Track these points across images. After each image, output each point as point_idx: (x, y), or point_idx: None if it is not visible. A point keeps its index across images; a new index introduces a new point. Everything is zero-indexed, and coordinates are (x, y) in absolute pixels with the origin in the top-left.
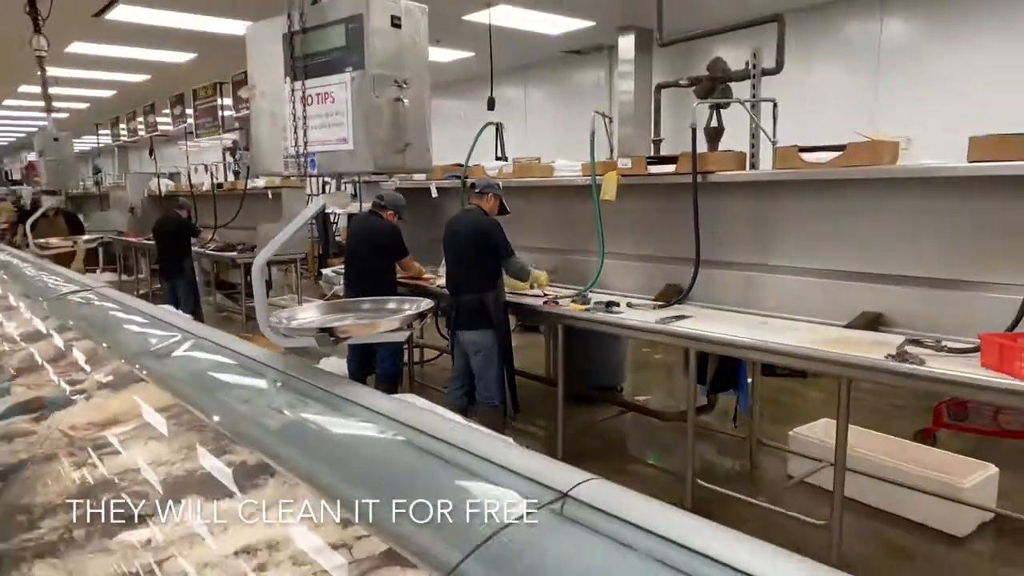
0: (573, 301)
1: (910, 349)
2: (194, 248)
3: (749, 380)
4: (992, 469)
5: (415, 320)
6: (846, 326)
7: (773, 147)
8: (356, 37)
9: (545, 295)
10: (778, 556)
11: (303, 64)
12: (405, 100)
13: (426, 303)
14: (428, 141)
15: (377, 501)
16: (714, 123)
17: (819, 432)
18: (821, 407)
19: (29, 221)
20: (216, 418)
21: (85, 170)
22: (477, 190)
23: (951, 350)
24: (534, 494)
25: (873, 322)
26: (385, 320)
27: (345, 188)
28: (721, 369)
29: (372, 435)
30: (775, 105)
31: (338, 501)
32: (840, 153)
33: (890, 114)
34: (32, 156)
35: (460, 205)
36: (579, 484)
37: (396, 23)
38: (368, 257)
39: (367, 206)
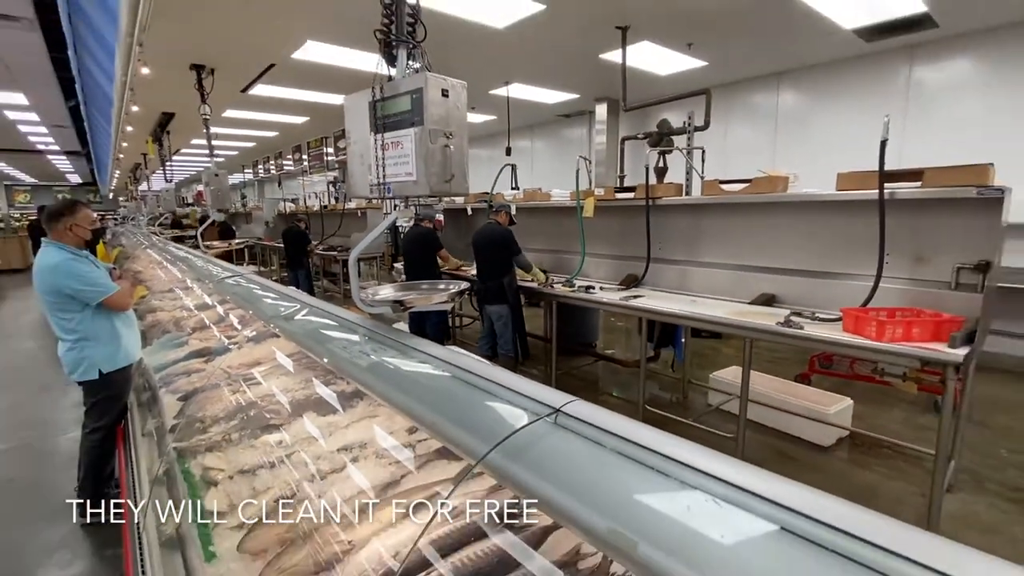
0: (563, 285)
1: (793, 319)
2: (309, 249)
3: (683, 340)
4: (848, 401)
5: (456, 296)
6: (750, 303)
7: (701, 180)
8: (418, 104)
9: (541, 284)
10: (688, 445)
11: (382, 122)
12: (451, 146)
13: (464, 284)
14: (466, 174)
15: (433, 413)
16: (661, 164)
17: (730, 375)
18: (732, 359)
19: (199, 230)
20: (325, 360)
21: (235, 196)
22: (495, 209)
23: (822, 319)
24: (536, 410)
25: (769, 300)
26: (437, 294)
27: (409, 207)
28: (664, 331)
29: (429, 371)
30: (703, 151)
31: (407, 415)
32: (747, 184)
33: (784, 159)
34: (200, 187)
35: (486, 220)
36: (567, 403)
37: (445, 94)
38: (417, 253)
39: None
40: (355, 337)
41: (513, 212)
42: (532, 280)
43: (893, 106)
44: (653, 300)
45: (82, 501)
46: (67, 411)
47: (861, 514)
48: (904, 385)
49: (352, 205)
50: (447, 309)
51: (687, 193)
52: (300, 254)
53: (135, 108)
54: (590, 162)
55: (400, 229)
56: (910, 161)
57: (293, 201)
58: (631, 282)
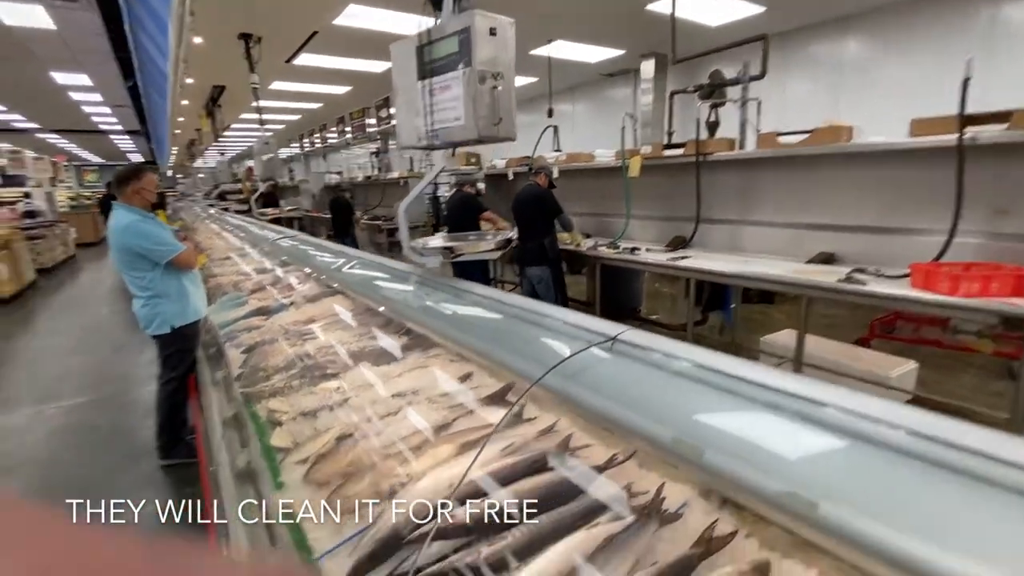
0: (607, 247)
1: (856, 275)
2: (354, 218)
3: (732, 304)
4: (912, 364)
5: (504, 244)
6: (806, 263)
7: (756, 134)
8: (465, 44)
9: (578, 245)
10: (750, 364)
11: (429, 66)
12: (499, 87)
13: (511, 232)
14: (514, 119)
15: (488, 344)
16: (713, 118)
17: (783, 338)
18: (784, 324)
19: (253, 197)
20: (382, 308)
21: (284, 170)
22: (534, 171)
23: (887, 277)
24: (592, 338)
25: (827, 259)
26: (484, 242)
27: (455, 156)
28: (712, 294)
29: (482, 309)
30: (759, 103)
31: (462, 348)
32: (808, 135)
33: (846, 112)
34: (250, 163)
35: (525, 182)
36: (624, 331)
37: (492, 32)
38: (459, 217)
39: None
40: (408, 283)
41: (554, 175)
42: (571, 242)
43: (972, 50)
44: (701, 261)
45: (161, 444)
46: (142, 368)
47: (937, 419)
48: (979, 343)
49: (395, 175)
50: (495, 258)
51: (740, 148)
52: (346, 223)
53: (189, 80)
54: (636, 119)
55: (441, 200)
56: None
57: (338, 173)
58: (678, 244)
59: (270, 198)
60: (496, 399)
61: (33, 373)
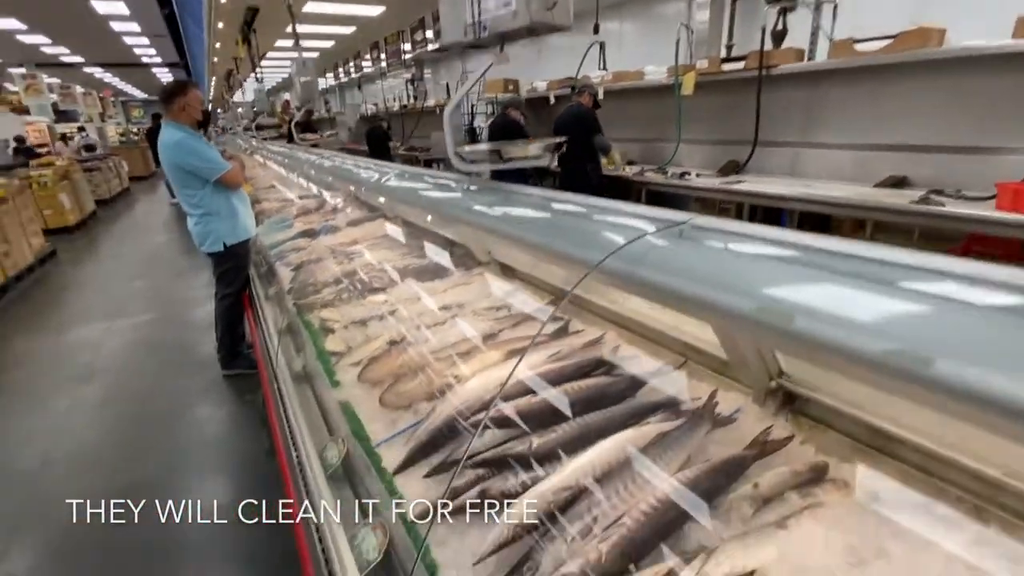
0: (655, 173)
1: (933, 197)
2: (391, 147)
3: None
4: None
5: (555, 148)
6: (874, 186)
7: (829, 42)
8: None
9: (616, 166)
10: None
11: None
12: None
13: (559, 139)
14: (569, 6)
15: (545, 237)
16: (779, 26)
17: None
18: None
19: (294, 120)
20: (428, 217)
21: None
22: (578, 90)
23: (968, 198)
24: (661, 226)
25: (898, 183)
26: (533, 146)
27: (504, 53)
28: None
29: (536, 208)
30: (835, 6)
31: (518, 245)
32: (891, 41)
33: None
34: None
35: (568, 103)
36: (694, 218)
37: None
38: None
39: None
40: (456, 190)
41: (599, 96)
42: (611, 166)
43: None
44: (756, 186)
45: (222, 356)
46: (199, 291)
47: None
48: None
49: (431, 103)
50: (545, 164)
51: (809, 59)
52: (383, 153)
53: (223, 0)
54: (691, 31)
55: (477, 131)
56: None
57: (374, 105)
58: (731, 169)
59: (307, 126)
60: (542, 312)
61: (102, 294)
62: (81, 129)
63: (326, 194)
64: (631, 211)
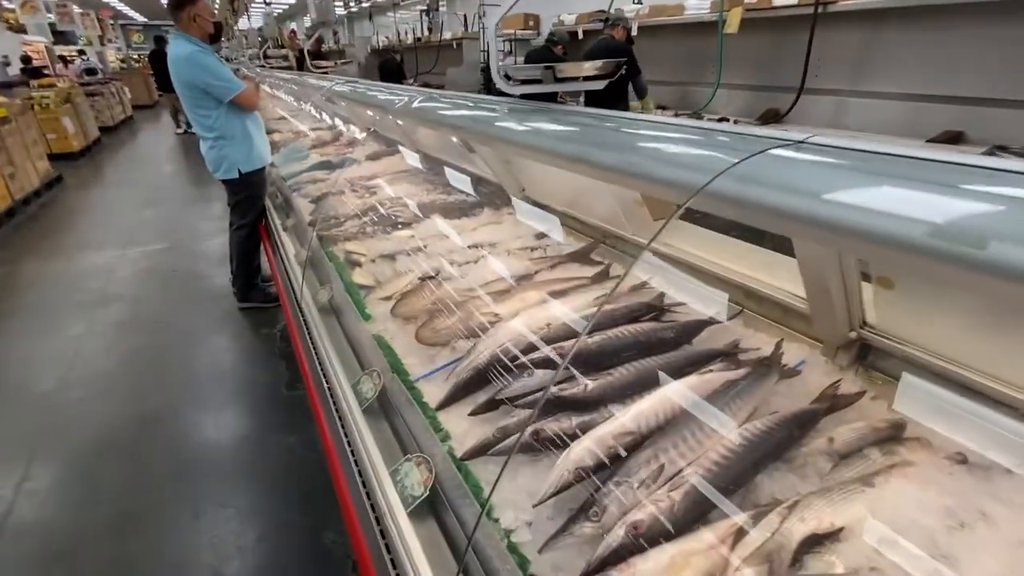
0: (690, 116)
1: (998, 152)
2: (405, 82)
3: None
4: None
5: (613, 70)
6: (927, 142)
7: None
8: None
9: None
10: None
11: None
12: None
13: (621, 59)
14: None
15: (627, 155)
16: None
17: None
18: None
19: (307, 45)
20: (454, 139)
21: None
22: (610, 23)
23: None
24: (778, 144)
25: (954, 138)
26: (589, 65)
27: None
28: None
29: (605, 126)
30: None
31: (585, 166)
32: None
33: None
34: (292, 25)
35: (599, 37)
36: (813, 136)
37: None
38: None
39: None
40: (498, 109)
41: (634, 32)
42: (640, 108)
43: None
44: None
45: (237, 288)
46: (211, 222)
47: None
48: None
49: (448, 36)
50: (599, 87)
51: None
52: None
53: None
54: None
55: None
56: None
57: (386, 38)
58: (771, 117)
59: (318, 55)
60: (581, 257)
61: (112, 221)
62: (81, 52)
63: (341, 124)
64: (730, 130)
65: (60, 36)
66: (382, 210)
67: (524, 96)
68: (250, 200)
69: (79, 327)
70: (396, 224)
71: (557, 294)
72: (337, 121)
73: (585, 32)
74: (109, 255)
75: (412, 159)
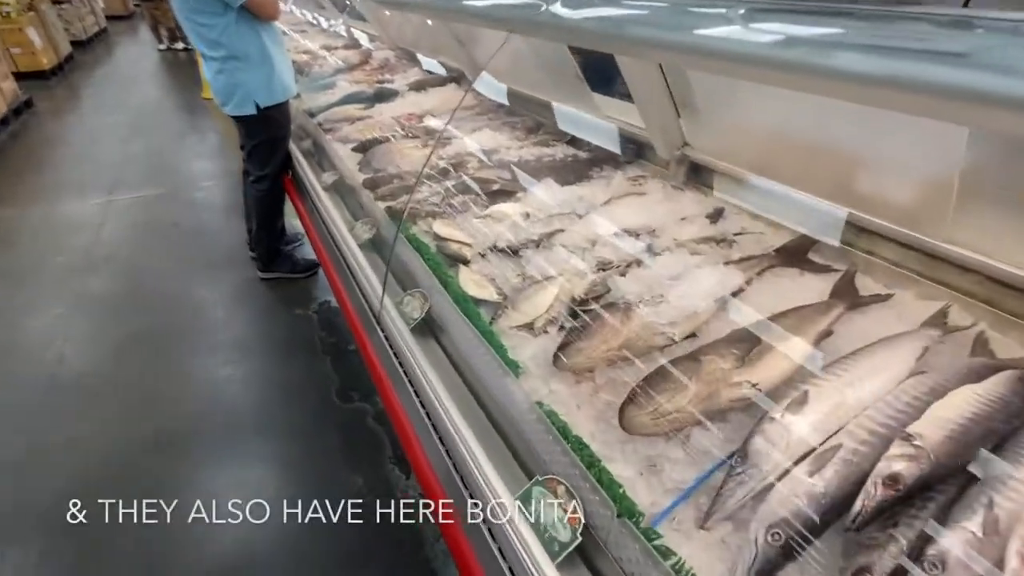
0: None
1: None
2: None
3: None
4: None
5: None
6: None
7: None
8: None
9: None
10: None
11: None
12: None
13: None
14: None
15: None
16: None
17: None
18: None
19: None
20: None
21: None
22: None
23: None
24: None
25: None
26: None
27: None
28: None
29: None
30: None
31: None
32: None
33: None
34: None
35: None
36: None
37: None
38: None
39: None
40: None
41: None
42: None
43: None
44: None
45: (259, 254)
46: (209, 159)
47: None
48: None
49: None
50: None
51: None
52: None
53: None
54: None
55: None
56: None
57: None
58: None
59: None
60: (796, 253)
61: (92, 158)
62: None
63: (366, 41)
64: None
65: None
66: (463, 166)
67: None
68: (270, 145)
69: (59, 308)
70: (492, 191)
71: (822, 335)
72: (357, 34)
73: None
74: (95, 203)
75: (491, 90)
